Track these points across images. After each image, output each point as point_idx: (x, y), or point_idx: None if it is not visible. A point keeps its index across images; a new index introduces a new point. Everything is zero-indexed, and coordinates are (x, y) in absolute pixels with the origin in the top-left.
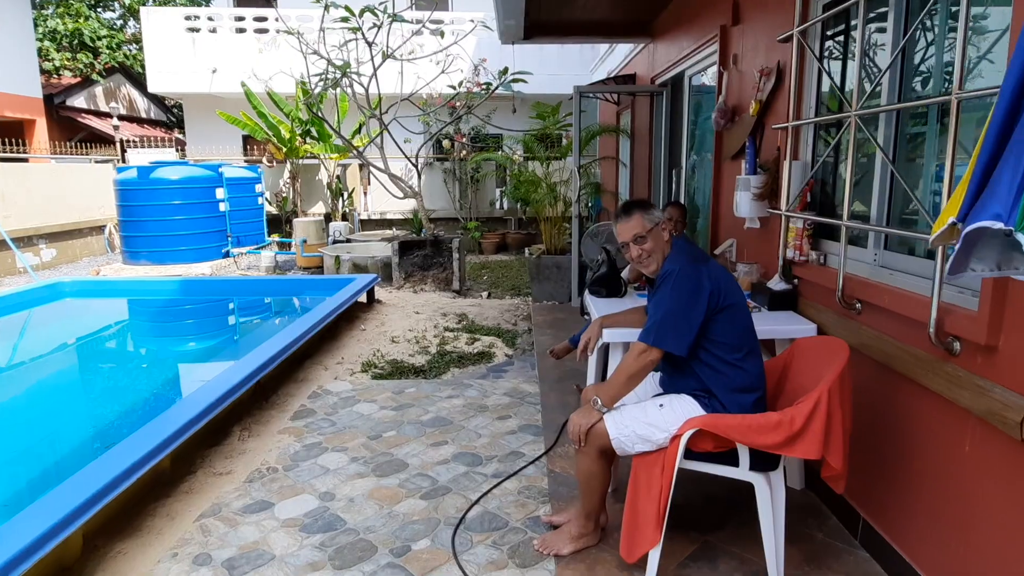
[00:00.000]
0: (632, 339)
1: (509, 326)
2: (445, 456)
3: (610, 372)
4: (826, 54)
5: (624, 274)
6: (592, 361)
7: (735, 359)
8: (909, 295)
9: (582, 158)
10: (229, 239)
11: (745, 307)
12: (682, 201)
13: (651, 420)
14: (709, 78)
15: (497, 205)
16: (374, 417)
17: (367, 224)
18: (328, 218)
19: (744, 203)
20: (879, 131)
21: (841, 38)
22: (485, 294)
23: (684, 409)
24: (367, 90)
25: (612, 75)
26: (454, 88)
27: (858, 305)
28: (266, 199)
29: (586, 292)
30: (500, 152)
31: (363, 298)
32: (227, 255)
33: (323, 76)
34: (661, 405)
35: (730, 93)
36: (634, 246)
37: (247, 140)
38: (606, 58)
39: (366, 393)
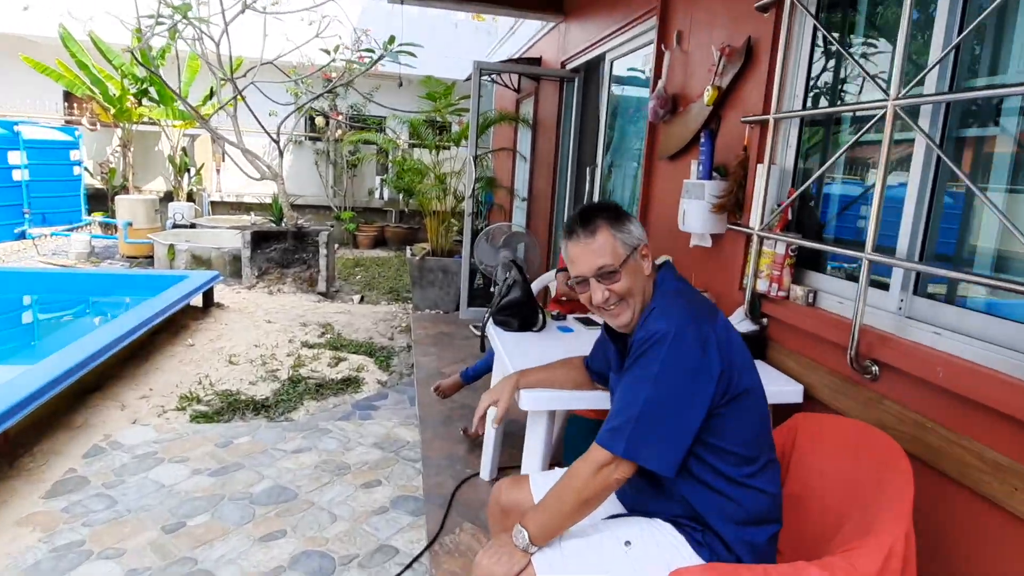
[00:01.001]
0: (566, 407)
1: (384, 340)
2: (279, 561)
3: (529, 465)
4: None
5: (546, 283)
6: (491, 436)
7: (745, 474)
8: (980, 370)
9: (477, 148)
10: (27, 216)
11: (761, 388)
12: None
13: (611, 568)
14: (639, 61)
15: (376, 194)
16: (179, 490)
17: (219, 207)
18: (170, 197)
19: (695, 215)
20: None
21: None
22: (357, 298)
23: (663, 551)
24: (218, 45)
25: (513, 59)
26: (328, 53)
27: (875, 368)
28: (87, 169)
29: (489, 321)
30: (382, 135)
31: (198, 300)
32: (23, 236)
33: (156, 19)
34: (628, 543)
35: (672, 78)
36: (598, 284)
37: (70, 97)
38: (506, 40)
39: (175, 447)
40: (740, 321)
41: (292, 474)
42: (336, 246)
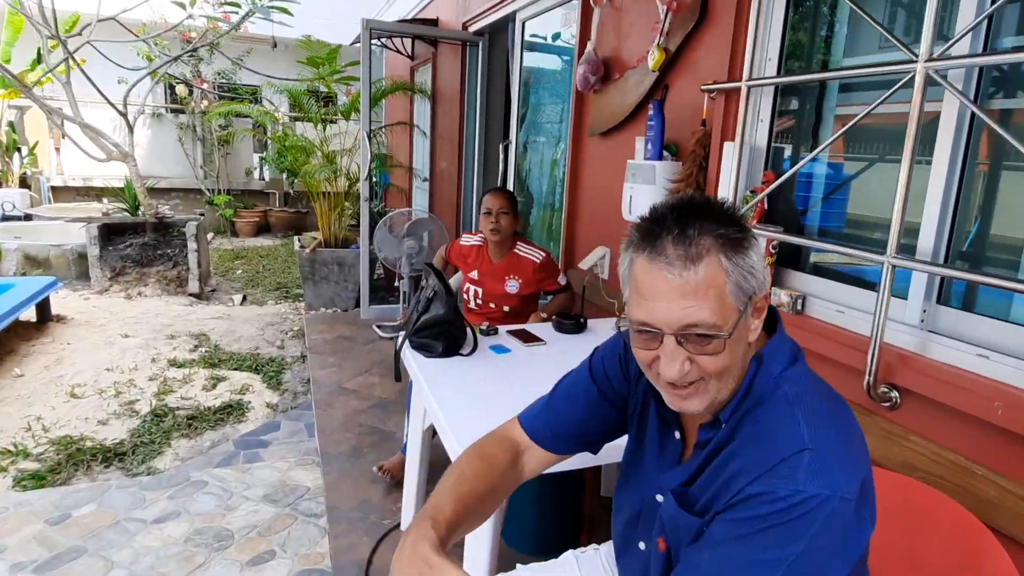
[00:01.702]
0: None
1: (273, 350)
2: None
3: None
4: None
5: (452, 282)
6: (413, 473)
7: None
8: None
9: (370, 123)
10: None
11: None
12: (509, 187)
13: None
14: (557, 22)
15: (256, 175)
16: None
17: (62, 194)
18: None
19: (645, 202)
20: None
21: None
22: (238, 298)
23: None
24: None
25: (406, 20)
26: (183, 7)
27: (894, 395)
28: None
29: (404, 344)
30: (257, 106)
31: (31, 314)
32: None
33: None
34: None
35: (603, 39)
36: (678, 350)
37: None
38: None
39: None
40: None
41: (154, 555)
42: (211, 236)
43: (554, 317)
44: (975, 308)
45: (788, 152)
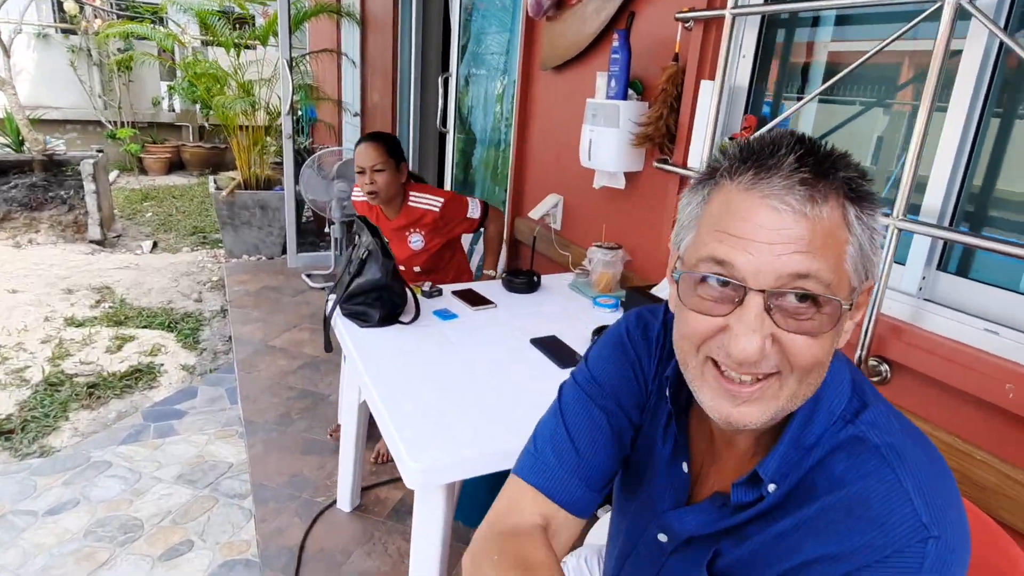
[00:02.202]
0: None
1: (189, 303)
2: None
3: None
4: None
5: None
6: (350, 440)
7: None
8: None
9: (291, 49)
10: None
11: None
12: (447, 127)
13: None
14: None
15: (165, 105)
16: None
17: None
18: None
19: (607, 148)
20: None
21: None
22: (148, 244)
23: None
24: None
25: None
26: None
27: (884, 369)
28: None
29: (335, 310)
30: (159, 28)
31: None
32: None
33: None
34: None
35: None
36: (761, 317)
37: None
38: None
39: None
40: None
41: (47, 555)
42: (115, 174)
43: (504, 274)
44: (982, 276)
45: (768, 95)
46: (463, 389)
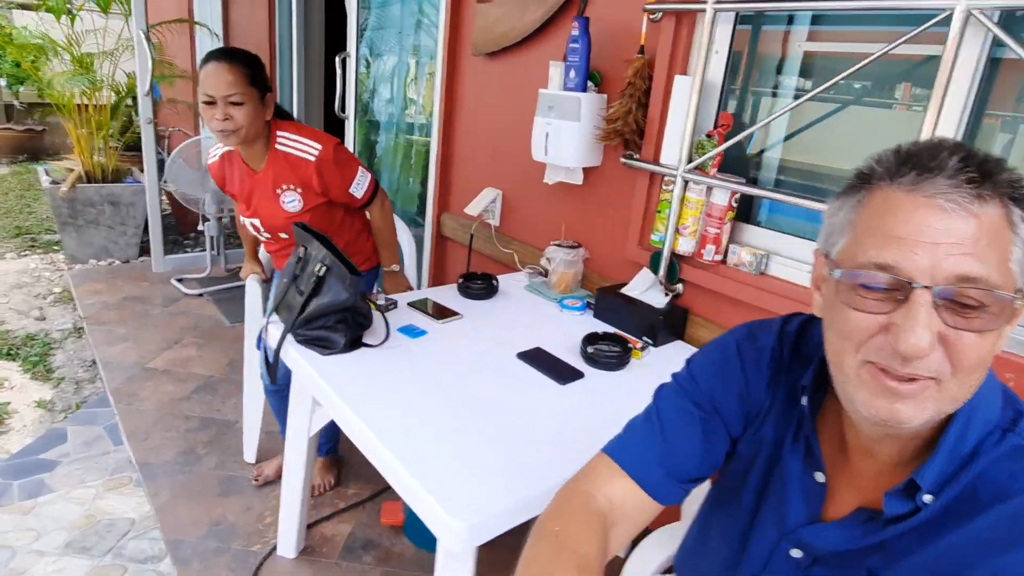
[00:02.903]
0: None
1: (29, 323)
2: None
3: None
4: None
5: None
6: (297, 470)
7: None
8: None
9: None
10: None
11: None
12: (346, 113)
13: None
14: None
15: None
16: None
17: None
18: None
19: (569, 143)
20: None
21: None
22: None
23: None
24: None
25: None
26: None
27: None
28: None
29: (286, 341)
30: None
31: None
32: None
33: None
34: None
35: None
36: (930, 315)
37: None
38: None
39: None
40: (647, 290)
41: None
42: None
43: (460, 279)
44: None
45: (736, 92)
46: (467, 422)
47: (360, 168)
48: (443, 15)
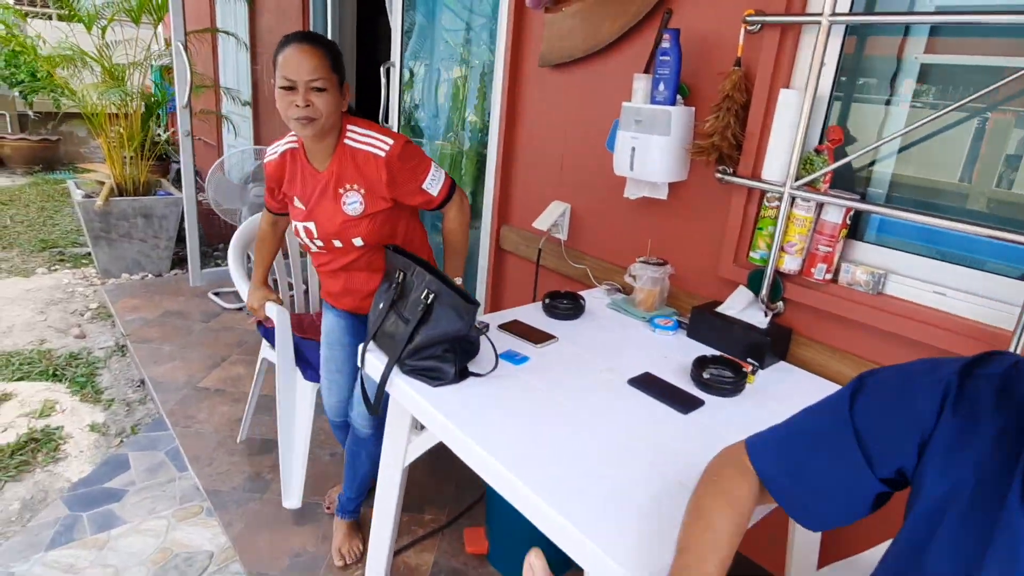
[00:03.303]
0: None
1: (70, 341)
2: None
3: None
4: None
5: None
6: (390, 501)
7: None
8: None
9: (185, 29)
10: None
11: None
12: (388, 124)
13: None
14: None
15: None
16: None
17: None
18: None
19: (658, 157)
20: None
21: None
22: None
23: None
24: None
25: None
26: None
27: None
28: None
29: (393, 373)
30: None
31: None
32: None
33: None
34: None
35: None
36: None
37: None
38: None
39: None
40: (745, 309)
41: None
42: None
43: (548, 301)
44: None
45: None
46: (602, 457)
47: (433, 164)
48: (505, 25)
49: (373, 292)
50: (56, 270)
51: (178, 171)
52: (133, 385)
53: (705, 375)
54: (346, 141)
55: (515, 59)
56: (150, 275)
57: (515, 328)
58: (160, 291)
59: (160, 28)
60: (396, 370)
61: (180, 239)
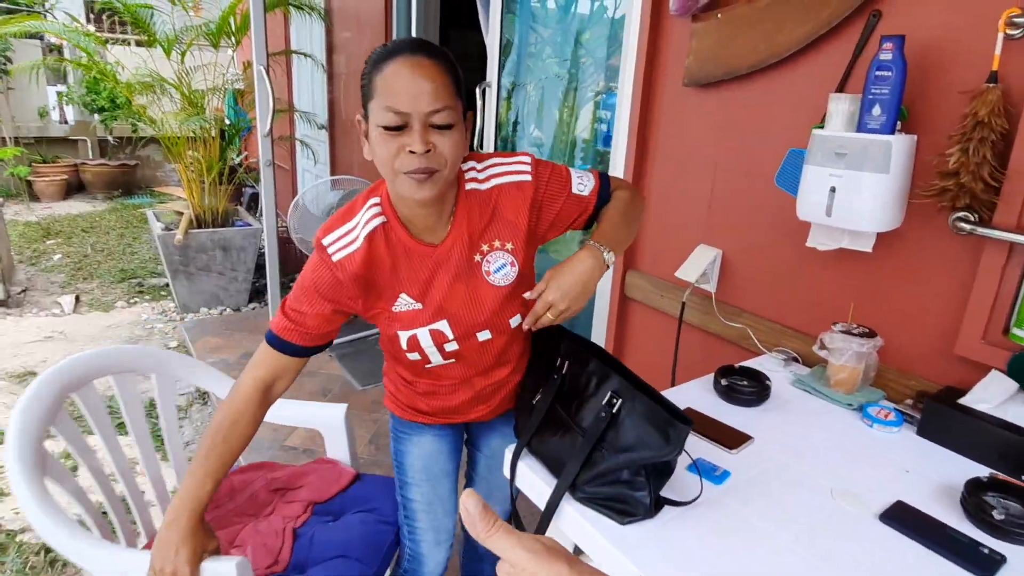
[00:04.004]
0: None
1: (150, 388)
2: None
3: None
4: None
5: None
6: None
7: None
8: None
9: (268, 54)
10: None
11: None
12: (483, 148)
13: None
14: None
15: (55, 116)
16: None
17: None
18: None
19: (867, 201)
20: None
21: None
22: (69, 300)
23: None
24: None
25: None
26: None
27: None
28: None
29: (563, 500)
30: (52, 21)
31: None
32: None
33: None
34: None
35: None
36: None
37: None
38: None
39: None
40: (1004, 402)
41: None
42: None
43: (724, 380)
44: None
45: None
46: None
47: (563, 166)
48: (636, 38)
49: (515, 392)
50: (135, 303)
51: (251, 196)
52: None
53: (998, 515)
54: (469, 187)
55: (648, 77)
56: (228, 309)
57: (709, 430)
58: (239, 328)
59: (236, 51)
60: (569, 499)
61: (257, 267)
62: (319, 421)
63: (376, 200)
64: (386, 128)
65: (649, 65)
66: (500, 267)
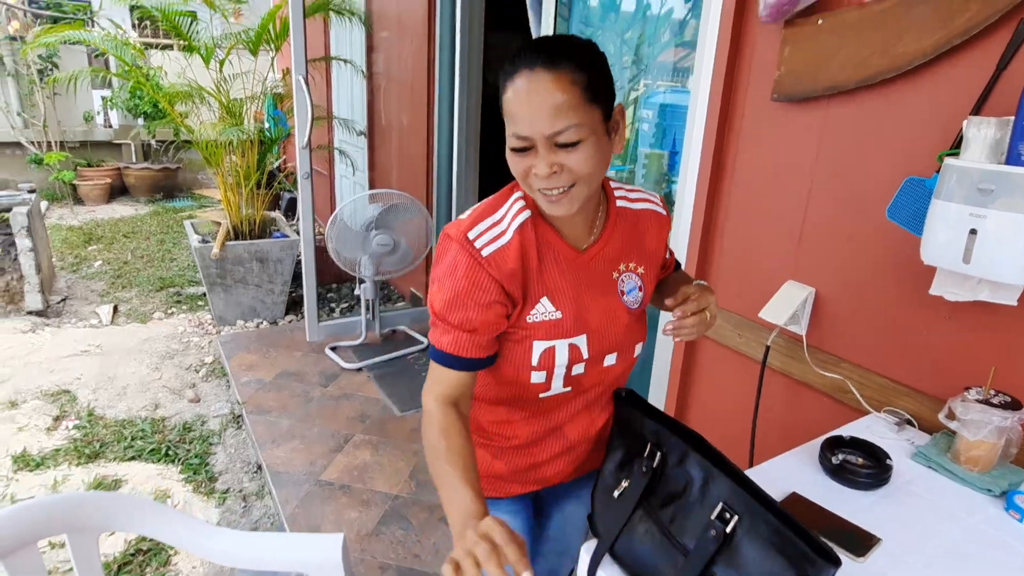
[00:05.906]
0: None
1: (183, 406)
2: None
3: None
4: None
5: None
6: None
7: None
8: None
9: (307, 63)
10: None
11: None
12: None
13: None
14: None
15: (100, 120)
16: None
17: None
18: None
19: (1014, 245)
20: None
21: None
22: (107, 311)
23: None
24: None
25: None
26: None
27: None
28: None
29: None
30: (95, 29)
31: None
32: None
33: None
34: None
35: None
36: None
37: None
38: None
39: None
40: None
41: None
42: (45, 206)
43: (834, 456)
44: None
45: None
46: None
47: None
48: (714, 45)
49: (599, 446)
50: (172, 314)
51: (289, 201)
52: (250, 471)
53: None
54: (620, 203)
55: (728, 88)
56: (265, 322)
57: (807, 515)
58: (275, 343)
59: (275, 58)
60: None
61: (294, 276)
62: (307, 561)
63: (520, 194)
64: (512, 150)
65: (729, 75)
66: (632, 288)
